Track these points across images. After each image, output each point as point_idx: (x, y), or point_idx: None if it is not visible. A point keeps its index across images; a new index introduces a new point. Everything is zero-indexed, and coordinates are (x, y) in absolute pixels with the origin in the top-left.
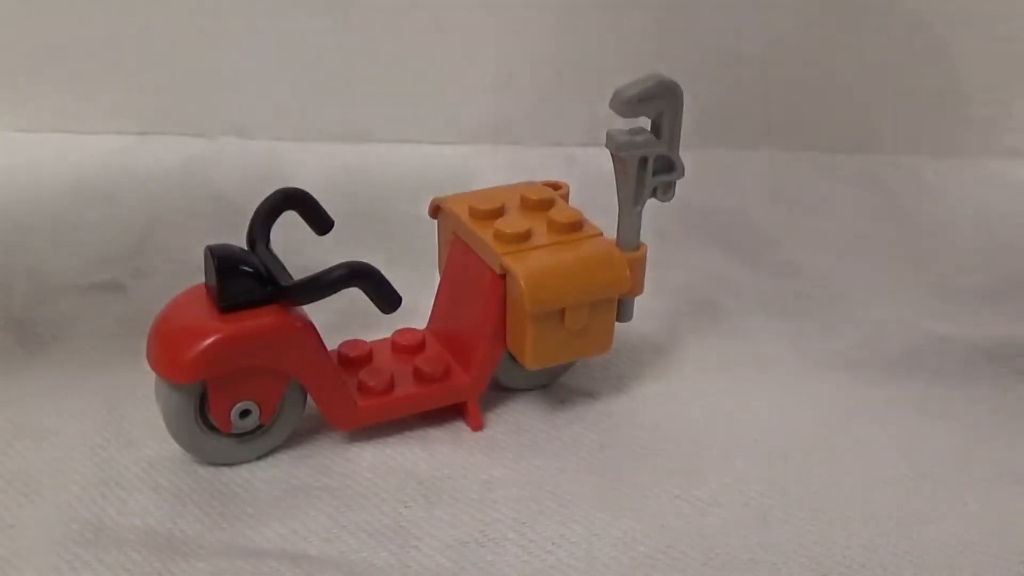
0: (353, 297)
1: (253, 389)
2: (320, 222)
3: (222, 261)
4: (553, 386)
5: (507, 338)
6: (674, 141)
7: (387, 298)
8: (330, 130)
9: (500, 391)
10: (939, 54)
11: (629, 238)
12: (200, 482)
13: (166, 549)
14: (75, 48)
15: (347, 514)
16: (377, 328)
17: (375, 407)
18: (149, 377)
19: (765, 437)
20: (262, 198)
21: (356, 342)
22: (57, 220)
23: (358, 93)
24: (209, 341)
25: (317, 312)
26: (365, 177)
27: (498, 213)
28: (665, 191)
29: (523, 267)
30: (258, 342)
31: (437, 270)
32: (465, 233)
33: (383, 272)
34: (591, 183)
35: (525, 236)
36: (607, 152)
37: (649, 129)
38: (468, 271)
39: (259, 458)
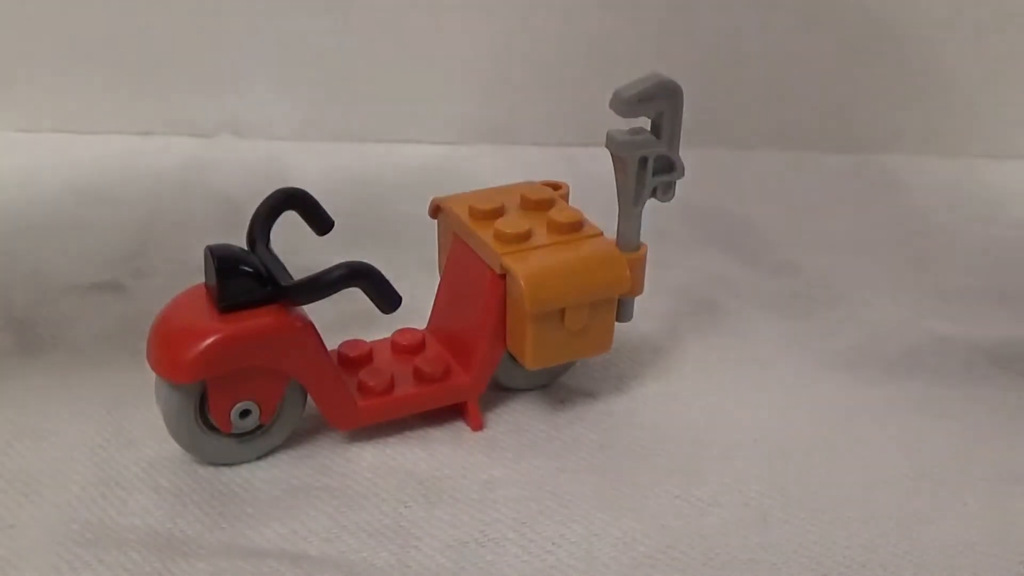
0: (353, 297)
1: (253, 389)
2: (320, 222)
3: (222, 261)
4: (553, 386)
5: (507, 338)
6: (674, 141)
7: (387, 298)
8: (330, 130)
9: (500, 391)
10: (940, 54)
11: (629, 238)
12: (200, 482)
13: (166, 549)
14: (75, 48)
15: (347, 514)
16: (377, 328)
17: (375, 407)
18: (149, 377)
19: (765, 437)
20: (262, 198)
21: (356, 342)
22: (57, 220)
23: (358, 93)
24: (209, 341)
25: (317, 312)
26: (365, 177)
27: (498, 213)
28: (665, 191)
29: (523, 267)
30: (258, 342)
31: (437, 270)
32: (465, 233)
33: (383, 272)
34: (591, 183)
35: (525, 236)
36: (607, 152)
37: (649, 129)
38: (468, 271)
39: (259, 458)
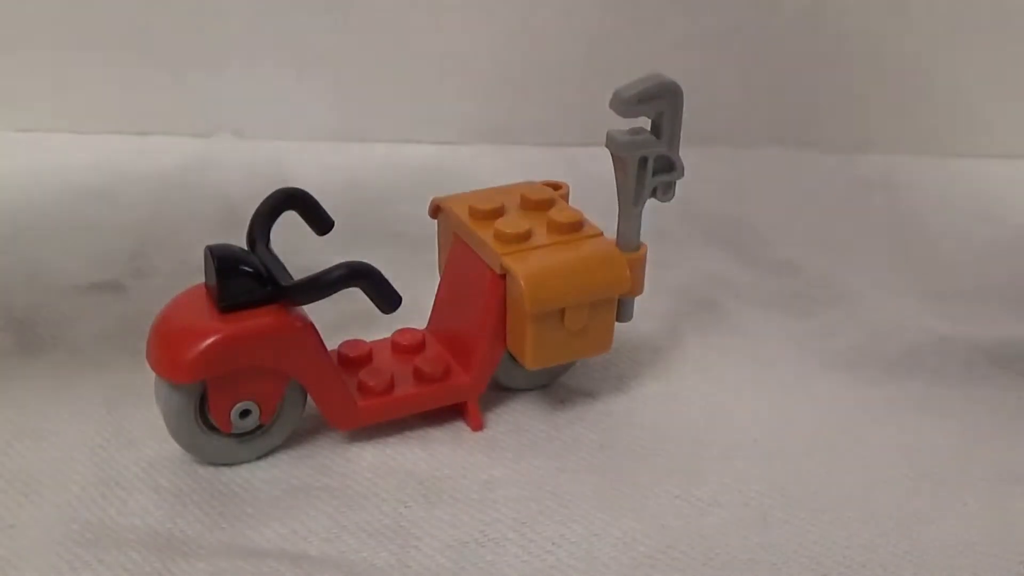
0: (353, 297)
1: (253, 389)
2: (320, 222)
3: (222, 261)
4: (553, 386)
5: (507, 338)
6: (674, 141)
7: (387, 298)
8: (330, 130)
9: (500, 391)
10: (941, 54)
11: (629, 238)
12: (200, 482)
13: (166, 549)
14: (75, 48)
15: (347, 514)
16: (377, 328)
17: (375, 407)
18: (149, 377)
19: (765, 437)
20: (262, 198)
21: (356, 342)
22: (57, 220)
23: (358, 93)
24: (209, 341)
25: (317, 312)
26: (365, 177)
27: (498, 213)
28: (665, 191)
29: (523, 267)
30: (258, 342)
31: (437, 270)
32: (465, 233)
33: (383, 272)
34: (591, 183)
35: (525, 236)
36: (607, 152)
37: (649, 129)
38: (468, 271)
39: (259, 458)
